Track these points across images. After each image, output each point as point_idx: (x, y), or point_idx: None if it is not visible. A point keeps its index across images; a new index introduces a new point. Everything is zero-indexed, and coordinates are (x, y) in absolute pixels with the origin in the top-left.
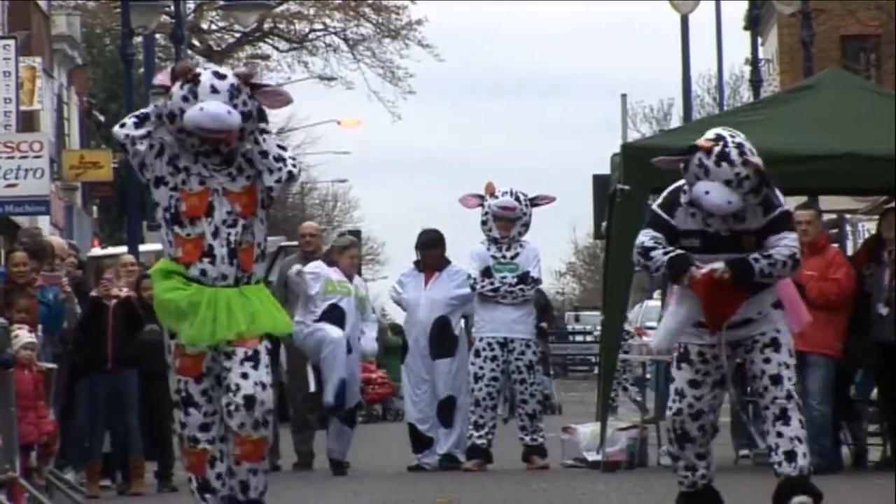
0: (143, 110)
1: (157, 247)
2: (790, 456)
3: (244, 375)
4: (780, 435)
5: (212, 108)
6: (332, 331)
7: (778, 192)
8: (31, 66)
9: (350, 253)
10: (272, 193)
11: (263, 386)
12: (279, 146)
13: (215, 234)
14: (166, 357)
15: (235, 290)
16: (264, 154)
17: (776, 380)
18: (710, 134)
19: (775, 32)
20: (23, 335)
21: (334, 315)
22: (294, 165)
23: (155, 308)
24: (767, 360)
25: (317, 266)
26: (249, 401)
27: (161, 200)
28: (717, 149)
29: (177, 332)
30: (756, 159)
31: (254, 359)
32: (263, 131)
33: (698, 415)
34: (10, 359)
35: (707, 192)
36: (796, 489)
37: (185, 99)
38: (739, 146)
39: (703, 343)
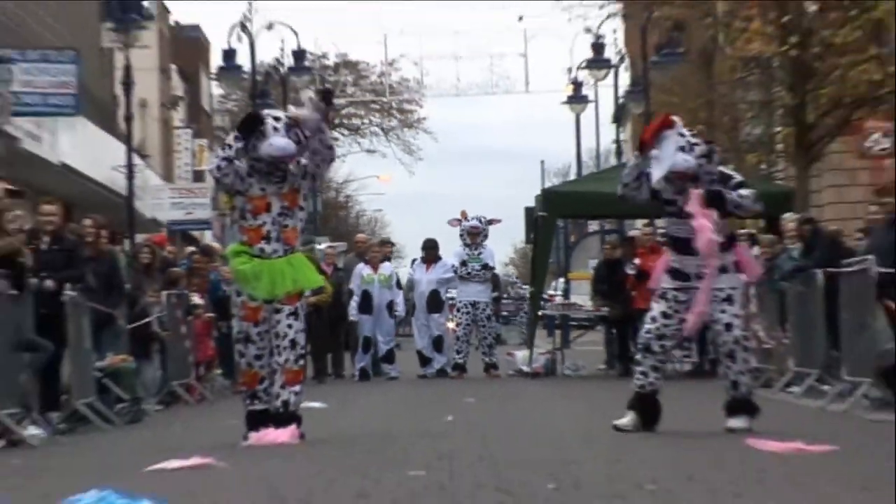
0: (224, 155)
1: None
2: (735, 385)
3: (290, 326)
4: (728, 368)
5: (278, 143)
6: None
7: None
8: (201, 145)
9: (372, 253)
10: (314, 170)
11: (301, 332)
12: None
13: (273, 223)
14: (232, 310)
15: (284, 259)
16: (323, 141)
17: (729, 327)
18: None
19: (630, 123)
20: (197, 300)
21: (366, 299)
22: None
23: (232, 275)
24: (723, 311)
25: (361, 268)
26: (294, 343)
27: (238, 205)
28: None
29: (244, 291)
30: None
31: (295, 314)
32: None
33: (661, 336)
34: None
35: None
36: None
37: (256, 138)
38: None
39: (678, 288)
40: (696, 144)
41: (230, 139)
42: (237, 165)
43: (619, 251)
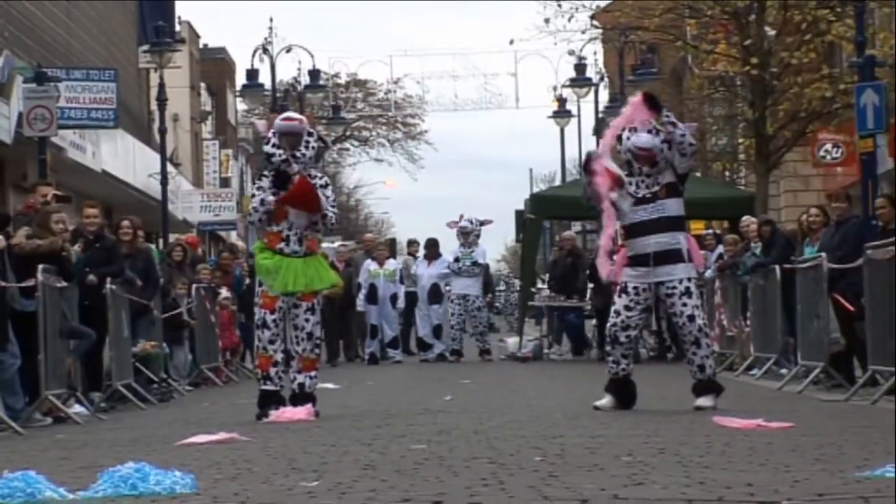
0: (258, 198)
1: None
2: (701, 368)
3: (307, 320)
4: (694, 354)
5: (287, 123)
6: None
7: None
8: (227, 154)
9: (378, 250)
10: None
11: (317, 325)
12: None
13: (290, 227)
14: (255, 299)
15: (302, 260)
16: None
17: (691, 318)
18: None
19: None
20: (224, 293)
21: (372, 291)
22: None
23: (255, 268)
24: (685, 304)
25: (368, 263)
26: (310, 335)
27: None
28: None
29: (264, 283)
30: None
31: (312, 309)
32: (325, 187)
33: (626, 328)
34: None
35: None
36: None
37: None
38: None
39: (637, 282)
40: (661, 131)
41: (259, 182)
42: (265, 199)
43: (565, 251)
